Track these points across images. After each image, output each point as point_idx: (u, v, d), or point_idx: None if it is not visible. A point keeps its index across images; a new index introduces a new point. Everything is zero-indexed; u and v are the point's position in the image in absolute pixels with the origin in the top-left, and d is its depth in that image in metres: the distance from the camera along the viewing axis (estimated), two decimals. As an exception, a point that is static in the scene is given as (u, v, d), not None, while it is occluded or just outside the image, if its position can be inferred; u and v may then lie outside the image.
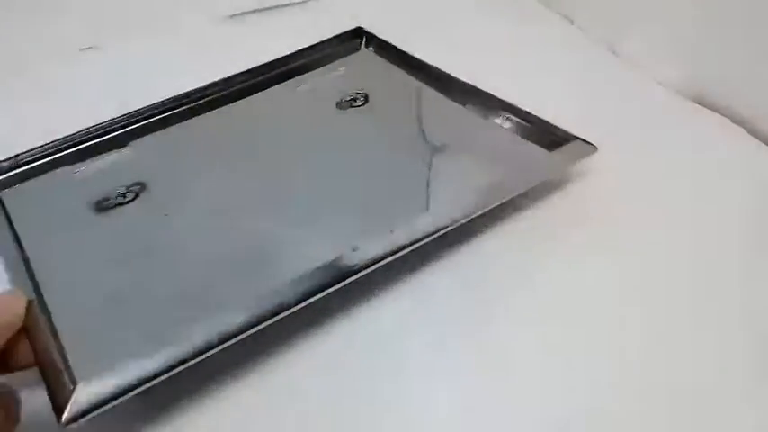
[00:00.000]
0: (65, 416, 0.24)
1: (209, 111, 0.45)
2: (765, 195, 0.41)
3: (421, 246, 0.32)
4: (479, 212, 0.34)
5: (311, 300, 0.29)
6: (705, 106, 0.49)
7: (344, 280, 0.30)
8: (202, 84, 0.46)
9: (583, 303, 0.34)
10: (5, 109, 0.50)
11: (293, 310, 0.29)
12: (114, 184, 0.39)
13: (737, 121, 0.47)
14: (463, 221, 0.34)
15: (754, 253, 0.36)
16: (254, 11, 0.61)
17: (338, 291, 0.30)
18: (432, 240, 0.33)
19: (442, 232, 0.33)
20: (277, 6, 0.62)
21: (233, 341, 0.27)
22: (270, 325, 0.28)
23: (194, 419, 0.29)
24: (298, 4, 0.63)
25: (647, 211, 0.39)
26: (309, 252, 0.32)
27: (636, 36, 0.55)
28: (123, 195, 0.38)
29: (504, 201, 0.35)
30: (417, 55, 0.49)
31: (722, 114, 0.47)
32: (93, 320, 0.30)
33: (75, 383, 0.25)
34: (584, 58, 0.56)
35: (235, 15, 0.61)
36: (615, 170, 0.42)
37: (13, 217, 0.36)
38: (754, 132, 0.45)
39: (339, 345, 0.32)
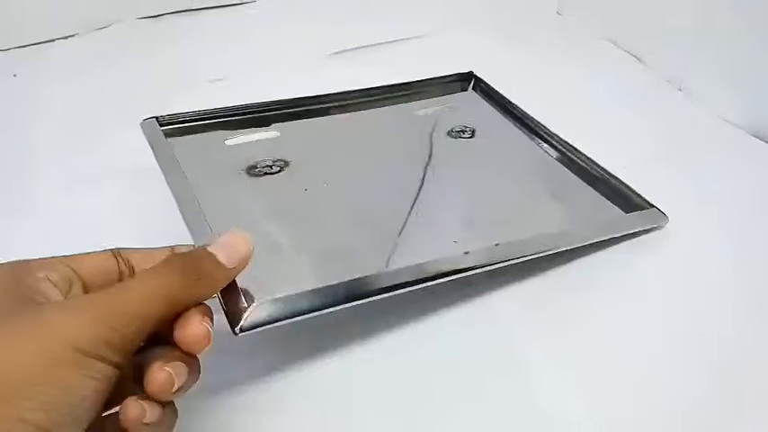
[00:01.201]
0: (239, 327, 0.30)
1: (343, 113, 0.53)
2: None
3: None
4: (565, 248, 0.40)
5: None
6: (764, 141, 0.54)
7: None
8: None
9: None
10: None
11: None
12: (262, 156, 0.46)
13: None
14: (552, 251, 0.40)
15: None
16: (354, 49, 0.69)
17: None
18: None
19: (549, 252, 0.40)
20: (372, 45, 0.70)
21: (396, 293, 0.34)
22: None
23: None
24: (388, 43, 0.71)
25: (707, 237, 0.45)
26: (422, 244, 0.39)
27: (699, 74, 0.60)
28: (270, 167, 0.45)
29: (582, 244, 0.41)
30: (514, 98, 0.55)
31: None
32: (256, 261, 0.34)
33: (250, 302, 0.31)
34: (651, 94, 0.62)
35: (340, 52, 0.69)
36: (679, 201, 0.47)
37: (181, 162, 0.42)
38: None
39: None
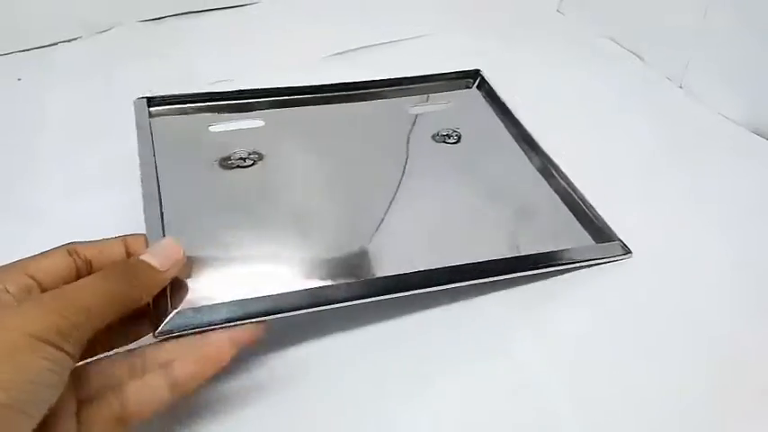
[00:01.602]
0: (157, 331, 0.32)
1: (329, 104, 0.52)
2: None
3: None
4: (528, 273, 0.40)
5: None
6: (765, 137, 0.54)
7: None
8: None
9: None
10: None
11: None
12: (239, 147, 0.46)
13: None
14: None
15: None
16: (355, 49, 0.69)
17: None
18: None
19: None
20: (373, 45, 0.70)
21: (323, 308, 0.35)
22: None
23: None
24: (389, 43, 0.71)
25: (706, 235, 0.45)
26: (382, 258, 0.39)
27: (700, 71, 0.60)
28: (243, 159, 0.45)
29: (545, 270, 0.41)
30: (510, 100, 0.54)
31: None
32: (198, 258, 0.36)
33: (171, 310, 0.33)
34: (652, 91, 0.62)
35: (342, 53, 0.69)
36: (680, 198, 0.48)
37: (155, 142, 0.44)
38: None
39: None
